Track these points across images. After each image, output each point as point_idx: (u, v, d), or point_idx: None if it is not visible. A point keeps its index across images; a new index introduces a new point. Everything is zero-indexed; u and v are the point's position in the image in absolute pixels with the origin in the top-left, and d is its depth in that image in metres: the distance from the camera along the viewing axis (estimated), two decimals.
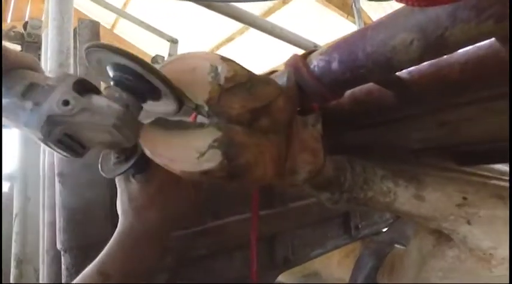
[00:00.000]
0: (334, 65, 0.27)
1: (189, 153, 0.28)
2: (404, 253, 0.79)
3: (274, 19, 3.11)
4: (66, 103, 0.31)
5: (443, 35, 0.20)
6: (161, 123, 0.29)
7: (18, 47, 1.34)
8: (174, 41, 1.63)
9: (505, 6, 0.18)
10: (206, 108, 0.29)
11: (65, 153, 0.33)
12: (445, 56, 0.28)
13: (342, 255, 1.03)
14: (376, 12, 2.74)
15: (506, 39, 0.22)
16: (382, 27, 0.23)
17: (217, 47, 4.08)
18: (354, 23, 2.90)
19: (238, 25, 3.42)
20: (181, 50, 1.80)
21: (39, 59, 1.36)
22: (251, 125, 0.29)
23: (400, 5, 0.20)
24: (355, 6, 1.45)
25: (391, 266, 0.84)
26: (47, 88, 0.33)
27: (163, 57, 1.63)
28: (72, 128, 0.32)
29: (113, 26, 4.55)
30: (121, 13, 1.82)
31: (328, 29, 3.22)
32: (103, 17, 4.22)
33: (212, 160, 0.28)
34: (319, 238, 0.90)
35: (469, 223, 0.45)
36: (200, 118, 0.44)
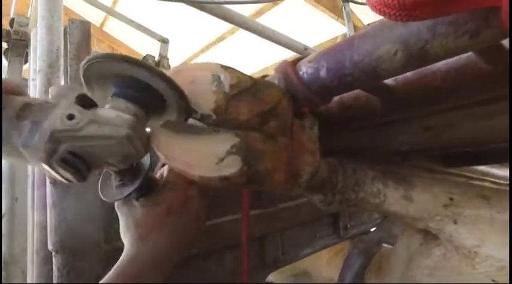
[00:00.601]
0: (323, 72, 0.28)
1: (207, 158, 0.28)
2: (392, 252, 0.81)
3: (264, 20, 3.13)
4: (71, 117, 0.29)
5: (424, 48, 0.22)
6: (172, 127, 0.29)
7: (4, 45, 1.32)
8: (164, 41, 1.62)
9: (478, 23, 0.19)
10: (214, 117, 0.29)
11: (68, 175, 0.30)
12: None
13: (330, 254, 1.05)
14: (366, 15, 2.79)
15: (482, 52, 0.24)
16: (368, 37, 0.25)
17: (208, 47, 4.08)
18: (344, 24, 2.94)
19: (229, 25, 3.42)
20: (172, 49, 1.80)
21: (27, 57, 1.34)
22: (261, 129, 0.30)
23: None
24: (344, 9, 1.48)
25: (378, 265, 0.86)
26: (46, 105, 0.30)
27: (154, 57, 1.62)
28: (78, 144, 0.29)
29: (102, 24, 4.50)
30: (111, 12, 1.80)
31: (319, 31, 3.25)
32: (92, 15, 4.17)
33: (232, 166, 0.28)
34: (308, 237, 0.91)
35: (455, 222, 0.47)
36: None
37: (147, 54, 1.59)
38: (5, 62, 1.25)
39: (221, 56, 4.05)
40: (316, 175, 0.38)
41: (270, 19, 3.08)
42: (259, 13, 3.21)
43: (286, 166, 0.31)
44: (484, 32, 0.19)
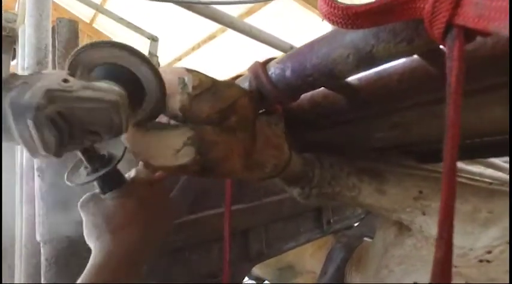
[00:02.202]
0: (288, 73, 0.31)
1: (166, 149, 0.32)
2: (370, 244, 0.85)
3: (254, 19, 3.15)
4: (66, 80, 0.30)
5: (371, 51, 0.25)
6: (141, 125, 0.33)
7: None
8: (154, 39, 1.63)
9: (411, 31, 0.22)
10: (181, 115, 0.33)
11: (50, 139, 0.29)
12: (387, 66, 0.33)
13: (314, 248, 1.08)
14: None
15: (425, 56, 0.27)
16: (325, 42, 0.28)
17: (199, 45, 4.08)
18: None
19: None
20: (163, 47, 1.81)
21: (15, 53, 1.34)
22: (221, 124, 0.34)
23: None
24: None
25: (358, 258, 0.90)
26: (36, 75, 0.30)
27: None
28: (70, 105, 0.29)
29: (92, 20, 4.46)
30: (100, 9, 1.80)
31: (308, 30, 3.28)
32: (82, 11, 4.13)
33: (187, 156, 0.32)
34: (292, 232, 0.94)
35: (423, 213, 0.50)
36: None
37: None
38: None
39: (212, 54, 4.05)
40: (287, 167, 0.41)
41: (260, 18, 3.11)
42: (249, 12, 3.23)
43: (240, 157, 0.35)
44: (417, 39, 0.22)
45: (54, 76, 0.30)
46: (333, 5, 0.21)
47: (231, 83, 0.34)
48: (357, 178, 0.57)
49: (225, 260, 0.60)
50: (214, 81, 0.33)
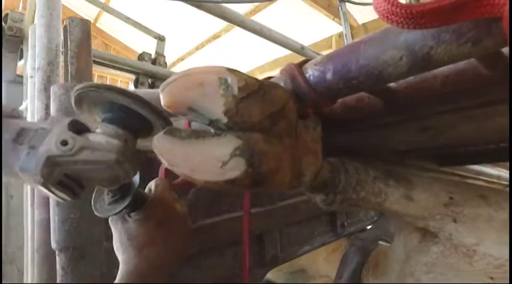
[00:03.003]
0: (329, 75, 0.29)
1: (211, 162, 0.29)
2: (389, 249, 0.82)
3: (259, 18, 3.13)
4: (64, 143, 0.32)
5: (429, 53, 0.22)
6: (175, 133, 0.30)
7: None
8: (161, 38, 1.61)
9: (480, 32, 0.20)
10: (224, 121, 0.29)
11: (63, 196, 0.33)
12: None
13: (328, 252, 1.06)
14: (361, 15, 2.80)
15: (482, 58, 0.25)
16: (374, 42, 0.25)
17: (203, 45, 4.06)
18: (340, 24, 2.95)
19: (224, 23, 3.42)
20: (166, 47, 1.79)
21: (22, 53, 1.33)
22: (270, 130, 0.30)
23: None
24: (341, 9, 1.49)
25: (375, 263, 0.87)
26: (41, 131, 0.33)
27: (150, 55, 1.61)
28: (72, 168, 0.32)
29: (96, 20, 4.45)
30: (107, 8, 1.78)
31: (313, 30, 3.26)
32: (85, 11, 4.13)
33: (236, 169, 0.29)
34: (306, 235, 0.92)
35: (454, 221, 0.48)
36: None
37: (144, 52, 1.58)
38: None
39: (216, 54, 4.04)
40: (318, 175, 0.39)
41: (265, 17, 3.09)
42: (254, 11, 3.21)
43: (289, 167, 0.32)
44: (485, 40, 0.20)
45: (54, 136, 0.32)
46: (394, 2, 0.19)
47: (276, 84, 0.31)
48: (383, 183, 0.55)
49: (245, 266, 0.58)
50: (261, 82, 0.30)
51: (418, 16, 0.19)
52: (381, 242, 1.01)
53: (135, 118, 0.35)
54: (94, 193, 0.45)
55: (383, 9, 0.20)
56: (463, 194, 0.50)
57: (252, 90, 0.29)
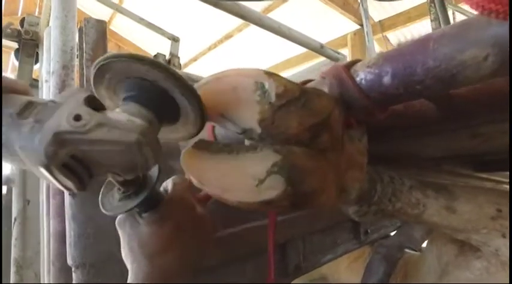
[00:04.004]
0: (386, 79, 0.25)
1: (245, 180, 0.25)
2: (419, 259, 0.78)
3: (273, 17, 3.09)
4: (78, 118, 0.26)
5: None
6: (205, 147, 0.26)
7: (15, 45, 1.30)
8: (175, 39, 1.59)
9: None
10: (258, 131, 0.25)
11: (67, 183, 0.27)
12: None
13: (350, 260, 1.02)
14: (377, 12, 2.73)
15: None
16: (447, 39, 0.21)
17: (216, 45, 4.05)
18: (355, 21, 2.88)
19: (237, 22, 3.39)
20: (180, 47, 1.77)
21: (37, 57, 1.32)
22: (311, 144, 0.26)
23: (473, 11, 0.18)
24: (362, 6, 1.43)
25: (403, 273, 0.83)
26: (51, 104, 0.27)
27: (165, 56, 1.59)
28: (83, 148, 0.26)
29: (109, 22, 4.49)
30: (120, 9, 1.77)
31: (328, 28, 3.20)
32: (98, 13, 4.16)
33: (275, 188, 0.25)
34: (329, 243, 0.88)
35: (503, 236, 0.43)
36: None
37: (158, 53, 1.56)
38: (16, 63, 1.24)
39: (229, 54, 4.02)
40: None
41: (279, 16, 3.04)
42: (268, 10, 3.17)
43: (334, 185, 0.28)
44: None
45: (66, 110, 0.26)
46: None
47: (320, 91, 0.27)
48: (421, 193, 0.50)
49: (270, 276, 0.54)
50: (302, 89, 0.26)
51: None
52: (406, 250, 0.96)
53: (162, 100, 0.29)
54: (103, 188, 0.39)
55: None
56: None
57: (291, 98, 0.25)
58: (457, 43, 0.20)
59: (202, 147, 0.26)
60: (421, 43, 0.23)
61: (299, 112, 0.25)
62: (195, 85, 0.26)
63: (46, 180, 0.28)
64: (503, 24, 0.18)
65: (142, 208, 0.37)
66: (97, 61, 0.29)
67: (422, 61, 0.22)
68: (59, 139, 0.25)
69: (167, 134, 0.33)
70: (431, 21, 1.50)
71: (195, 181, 0.26)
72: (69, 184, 0.27)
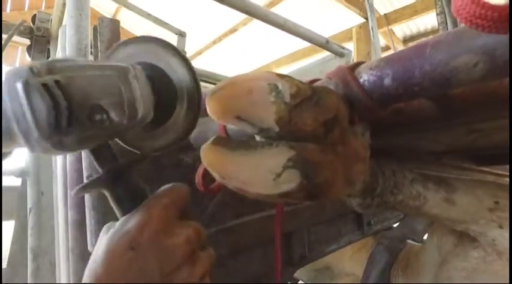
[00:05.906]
0: (387, 81, 0.27)
1: (263, 174, 0.27)
2: (420, 250, 0.80)
3: (277, 11, 3.08)
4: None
5: None
6: (224, 143, 0.28)
7: (22, 40, 1.34)
8: (182, 34, 1.61)
9: None
10: (276, 129, 0.28)
11: (40, 106, 0.24)
12: None
13: (354, 250, 1.05)
14: (382, 5, 2.71)
15: None
16: (443, 45, 0.23)
17: (220, 39, 4.05)
18: (360, 15, 2.87)
19: (241, 16, 3.39)
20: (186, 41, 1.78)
21: (49, 53, 1.35)
22: (325, 138, 0.29)
23: None
24: (367, 1, 1.44)
25: (405, 263, 0.85)
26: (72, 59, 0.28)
27: None
28: (70, 74, 0.25)
29: (114, 15, 4.50)
30: (127, 5, 1.79)
31: (331, 22, 3.19)
32: (103, 7, 4.18)
33: (291, 181, 0.27)
34: (333, 234, 0.91)
35: (500, 227, 0.46)
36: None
37: None
38: (28, 59, 1.27)
39: (233, 47, 4.02)
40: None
41: (283, 10, 3.04)
42: (272, 4, 3.17)
43: (343, 177, 0.31)
44: None
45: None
46: (485, 5, 0.17)
47: (329, 90, 0.30)
48: (422, 185, 0.52)
49: (277, 266, 0.57)
50: (313, 88, 0.28)
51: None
52: (408, 241, 0.99)
53: (161, 83, 0.31)
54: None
55: (467, 12, 0.18)
56: (509, 198, 0.48)
57: (305, 97, 0.27)
58: (451, 50, 0.23)
59: (221, 143, 0.28)
60: (419, 48, 0.25)
61: (313, 110, 0.27)
62: (211, 90, 0.28)
63: (19, 124, 0.24)
64: (491, 35, 0.21)
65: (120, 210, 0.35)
66: (112, 48, 0.32)
67: (420, 65, 0.25)
68: (50, 66, 0.25)
69: (151, 142, 0.36)
70: (437, 14, 1.50)
71: (216, 176, 0.28)
72: (42, 108, 0.24)
